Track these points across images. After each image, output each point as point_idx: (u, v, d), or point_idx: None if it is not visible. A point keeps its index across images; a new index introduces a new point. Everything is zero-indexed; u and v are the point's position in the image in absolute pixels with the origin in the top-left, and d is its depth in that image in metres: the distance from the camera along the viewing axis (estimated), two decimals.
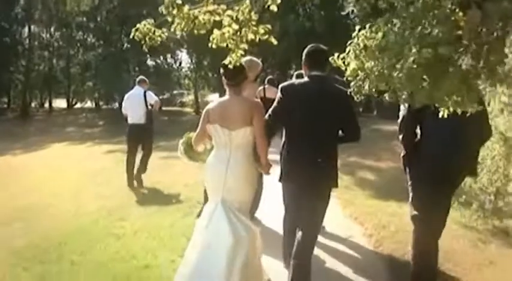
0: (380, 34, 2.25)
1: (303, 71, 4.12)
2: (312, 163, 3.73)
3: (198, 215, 4.54)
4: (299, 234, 3.87)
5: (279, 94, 3.90)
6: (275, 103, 3.92)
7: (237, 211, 3.69)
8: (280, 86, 3.94)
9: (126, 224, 6.15)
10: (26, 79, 34.79)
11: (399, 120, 4.07)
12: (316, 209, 3.89)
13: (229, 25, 2.78)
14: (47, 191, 8.55)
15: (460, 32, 1.75)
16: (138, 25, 2.99)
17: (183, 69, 39.52)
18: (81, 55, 35.95)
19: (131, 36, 3.04)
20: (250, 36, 2.82)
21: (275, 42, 2.91)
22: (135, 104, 8.77)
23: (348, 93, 3.67)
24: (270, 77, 11.08)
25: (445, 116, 2.21)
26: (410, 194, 4.09)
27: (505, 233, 5.62)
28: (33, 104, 38.82)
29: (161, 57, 34.89)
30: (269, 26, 2.88)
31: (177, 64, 38.38)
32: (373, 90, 2.32)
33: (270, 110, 3.90)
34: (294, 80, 4.19)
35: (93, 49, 33.72)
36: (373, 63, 2.30)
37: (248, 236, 3.60)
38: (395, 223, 5.96)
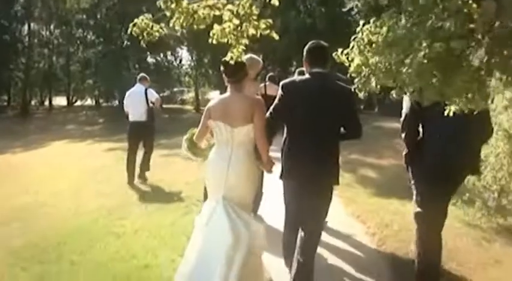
0: (385, 29, 2.18)
1: (304, 68, 4.07)
2: (313, 160, 3.70)
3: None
4: (302, 233, 3.83)
5: (279, 91, 3.86)
6: (276, 100, 3.88)
7: (238, 208, 3.66)
8: (281, 83, 3.90)
9: (126, 222, 6.09)
10: (25, 77, 34.84)
11: (402, 119, 4.06)
12: (318, 207, 3.86)
13: (230, 20, 2.72)
14: (46, 189, 8.50)
15: (472, 26, 1.67)
16: (135, 20, 2.92)
17: (184, 67, 39.66)
18: (81, 53, 36.00)
19: (129, 31, 2.96)
20: (251, 31, 2.76)
21: (276, 37, 2.84)
22: (136, 102, 8.76)
23: (350, 90, 3.71)
24: (270, 74, 11.03)
25: (451, 114, 2.16)
26: (414, 192, 4.09)
27: (509, 232, 5.57)
28: (33, 102, 38.93)
29: (161, 55, 34.96)
30: (270, 21, 2.81)
31: (178, 61, 38.54)
32: (378, 86, 2.26)
33: (271, 108, 3.87)
34: (295, 77, 4.13)
35: (93, 46, 33.72)
36: (378, 58, 2.23)
37: (248, 232, 3.55)
38: (398, 221, 5.92)
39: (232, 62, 3.36)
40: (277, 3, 2.75)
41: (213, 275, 3.38)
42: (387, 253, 5.03)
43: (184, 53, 37.60)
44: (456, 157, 3.75)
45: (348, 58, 2.54)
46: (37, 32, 37.15)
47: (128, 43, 30.77)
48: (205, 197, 4.35)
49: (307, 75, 3.89)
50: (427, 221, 3.95)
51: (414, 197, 4.09)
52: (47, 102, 39.32)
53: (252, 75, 4.97)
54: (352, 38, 2.46)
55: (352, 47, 2.45)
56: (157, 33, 2.97)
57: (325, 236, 4.49)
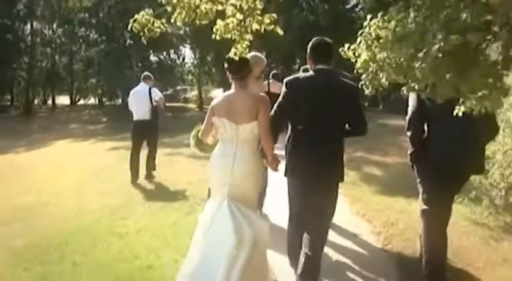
0: (393, 23, 2.11)
1: (308, 66, 4.03)
2: (317, 158, 3.69)
3: None
4: (306, 236, 3.80)
5: (283, 89, 3.84)
6: (280, 98, 3.87)
7: (243, 206, 3.63)
8: (285, 80, 3.88)
9: (129, 222, 6.04)
10: (28, 76, 34.87)
11: (407, 117, 4.05)
12: (323, 205, 3.85)
13: (233, 15, 2.65)
14: (49, 189, 8.46)
15: (489, 17, 1.59)
16: (136, 16, 2.85)
17: (187, 65, 39.70)
18: (84, 51, 36.04)
19: (129, 27, 2.89)
20: (255, 26, 2.69)
21: (281, 32, 2.78)
22: (140, 101, 8.78)
23: (355, 86, 3.68)
24: (274, 71, 10.95)
25: (460, 114, 2.11)
26: (420, 190, 4.11)
27: None
28: (36, 101, 38.98)
29: (164, 53, 34.95)
30: (275, 15, 2.74)
31: (181, 60, 38.54)
32: (387, 83, 2.19)
33: (275, 105, 3.84)
34: (299, 74, 4.10)
35: (96, 45, 33.73)
36: (386, 54, 2.16)
37: (252, 231, 3.52)
38: (404, 220, 5.87)
39: (236, 59, 3.32)
40: None
41: (215, 276, 3.34)
42: (393, 252, 4.98)
43: (187, 51, 37.76)
44: (461, 155, 3.76)
45: (354, 54, 2.47)
46: (40, 31, 37.19)
47: (131, 42, 30.81)
48: (210, 196, 4.31)
49: (311, 72, 3.88)
50: (432, 218, 3.96)
51: (420, 195, 4.10)
52: (50, 102, 39.37)
53: (256, 74, 4.94)
54: (359, 32, 2.41)
55: (359, 42, 2.39)
56: (158, 30, 2.90)
57: (330, 235, 4.43)
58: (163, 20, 2.91)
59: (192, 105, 34.90)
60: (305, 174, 3.80)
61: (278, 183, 4.69)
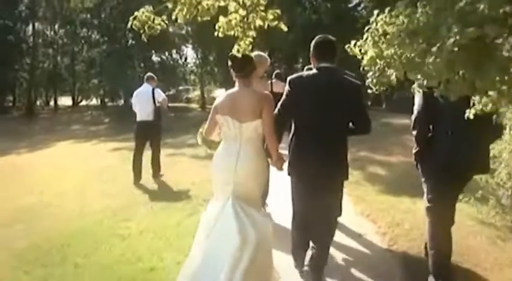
0: (402, 18, 2.05)
1: (312, 66, 4.01)
2: (321, 156, 3.69)
3: None
4: (313, 235, 3.79)
5: (287, 87, 3.82)
6: (283, 96, 3.85)
7: (246, 205, 3.60)
8: (288, 79, 3.85)
9: (131, 224, 5.99)
10: (30, 77, 34.96)
11: (413, 116, 4.01)
12: (328, 204, 3.87)
13: (236, 11, 2.59)
14: (51, 190, 8.44)
15: (508, 8, 1.51)
16: (136, 13, 2.78)
17: (189, 65, 39.71)
18: (86, 52, 36.13)
19: (129, 25, 2.83)
20: (259, 22, 2.63)
21: (285, 28, 2.72)
22: (143, 101, 8.77)
23: (359, 84, 3.65)
24: (277, 71, 10.93)
25: (471, 116, 2.06)
26: (425, 189, 4.10)
27: None
28: (38, 102, 39.13)
29: (166, 53, 35.00)
30: (278, 11, 2.67)
31: (183, 60, 38.57)
32: (395, 80, 2.13)
33: (278, 104, 3.82)
34: (302, 72, 4.05)
35: (98, 46, 33.79)
36: (393, 50, 2.09)
37: (256, 232, 3.48)
38: (409, 220, 5.81)
39: (240, 56, 3.28)
40: None
41: (218, 276, 3.30)
42: (399, 253, 4.92)
43: (189, 51, 37.83)
44: (466, 155, 3.74)
45: (360, 50, 2.41)
46: (41, 32, 37.29)
47: (133, 42, 30.84)
48: None
49: (314, 70, 3.84)
50: (437, 218, 3.96)
51: (424, 194, 4.09)
52: (52, 103, 39.50)
53: (260, 73, 4.91)
54: (366, 29, 2.34)
55: (366, 38, 2.33)
56: (158, 27, 2.83)
57: (335, 235, 4.38)
58: (164, 17, 2.84)
59: (194, 106, 34.90)
60: (308, 173, 3.78)
61: (282, 181, 4.64)
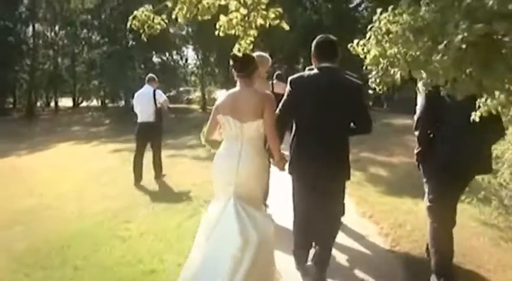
0: (405, 16, 2.01)
1: (313, 66, 3.99)
2: (322, 156, 3.69)
3: None
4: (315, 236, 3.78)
5: (288, 87, 3.82)
6: (285, 96, 3.85)
7: (247, 205, 3.58)
8: (289, 79, 3.85)
9: (131, 226, 5.96)
10: (31, 78, 34.97)
11: (415, 117, 4.01)
12: (330, 205, 3.87)
13: (237, 10, 2.55)
14: (51, 192, 8.43)
15: None
16: (135, 12, 2.74)
17: (189, 66, 39.65)
18: (86, 53, 36.13)
19: (128, 24, 2.79)
20: (260, 21, 2.59)
21: (287, 27, 2.68)
22: (144, 103, 8.77)
23: (360, 84, 3.64)
24: (278, 72, 10.93)
25: (477, 119, 2.03)
26: (426, 190, 4.10)
27: None
28: (38, 104, 39.11)
29: (167, 54, 34.95)
30: (280, 10, 2.64)
31: (183, 61, 38.50)
32: (400, 79, 2.09)
33: (280, 105, 3.81)
34: (304, 72, 4.03)
35: (98, 47, 33.76)
36: (397, 49, 2.06)
37: (257, 233, 3.45)
38: (411, 221, 5.78)
39: (241, 56, 3.26)
40: None
41: (219, 277, 3.29)
42: (401, 254, 4.89)
43: (190, 52, 37.85)
44: (468, 156, 3.73)
45: (363, 50, 2.38)
46: (42, 33, 37.29)
47: (133, 43, 30.83)
48: None
49: (315, 70, 3.83)
50: (439, 218, 3.96)
51: (426, 195, 4.09)
52: (52, 104, 39.50)
53: (261, 74, 4.88)
54: (369, 27, 2.31)
55: (369, 37, 2.29)
56: (158, 26, 2.79)
57: (337, 236, 4.37)
58: (164, 16, 2.80)
59: (195, 107, 34.82)
60: (309, 173, 3.78)
61: (282, 182, 4.63)
